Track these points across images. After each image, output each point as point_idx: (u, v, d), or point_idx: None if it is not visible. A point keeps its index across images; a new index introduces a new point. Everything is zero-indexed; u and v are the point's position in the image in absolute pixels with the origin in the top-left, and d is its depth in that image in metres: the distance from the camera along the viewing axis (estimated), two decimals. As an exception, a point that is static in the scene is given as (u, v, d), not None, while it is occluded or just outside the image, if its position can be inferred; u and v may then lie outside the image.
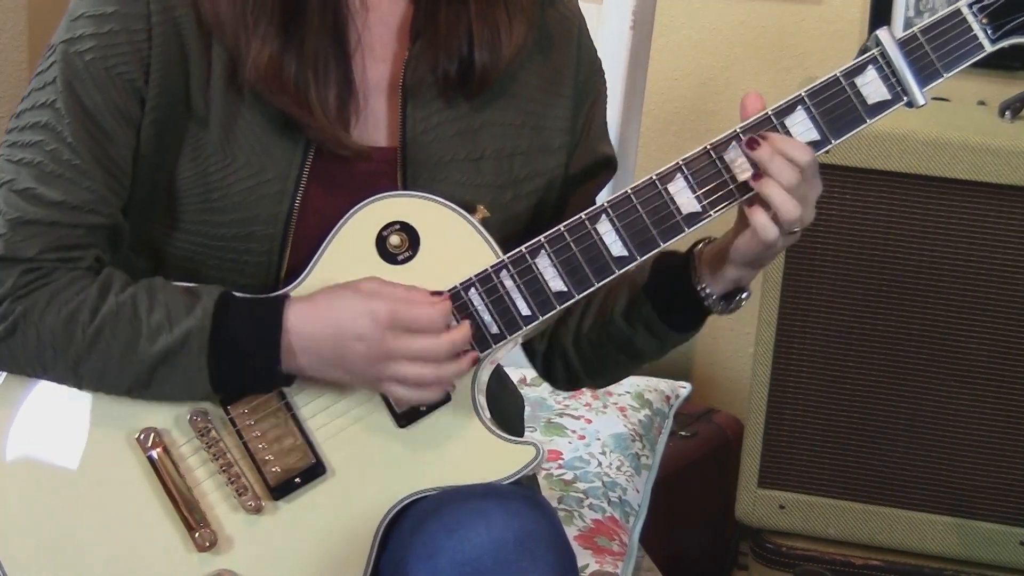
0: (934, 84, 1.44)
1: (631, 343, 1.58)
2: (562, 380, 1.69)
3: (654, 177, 1.45)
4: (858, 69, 1.44)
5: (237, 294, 1.45)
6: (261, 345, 1.42)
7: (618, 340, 1.59)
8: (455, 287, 1.45)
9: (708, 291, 1.51)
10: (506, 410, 1.64)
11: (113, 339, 1.41)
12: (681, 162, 1.45)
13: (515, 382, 1.75)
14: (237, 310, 1.43)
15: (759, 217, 1.42)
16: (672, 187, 1.45)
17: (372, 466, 1.47)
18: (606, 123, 1.67)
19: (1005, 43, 1.43)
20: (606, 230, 1.45)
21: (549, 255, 1.46)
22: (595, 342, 1.61)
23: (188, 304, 1.42)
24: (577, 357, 1.63)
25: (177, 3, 1.45)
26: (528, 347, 1.68)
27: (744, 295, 1.53)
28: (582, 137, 1.62)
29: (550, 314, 1.47)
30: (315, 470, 1.47)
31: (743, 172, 1.44)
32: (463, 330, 1.43)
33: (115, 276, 1.45)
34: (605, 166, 1.65)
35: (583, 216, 1.45)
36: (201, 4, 1.45)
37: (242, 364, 1.43)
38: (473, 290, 1.46)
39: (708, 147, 1.45)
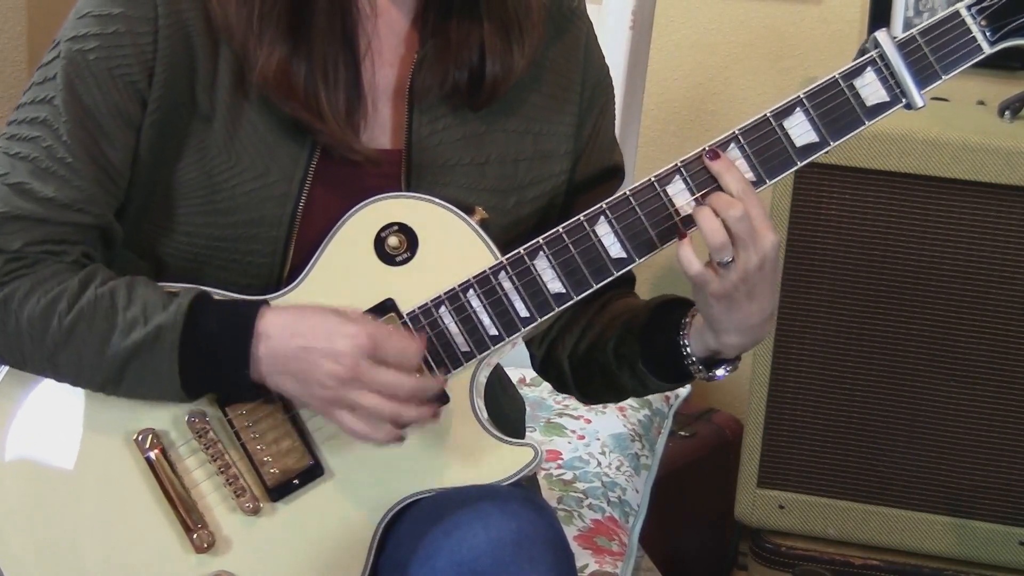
0: (933, 86, 1.44)
1: (615, 378, 1.58)
2: (556, 386, 1.69)
3: (652, 179, 1.45)
4: (857, 71, 1.44)
5: (216, 294, 1.44)
6: (231, 346, 1.41)
7: (604, 371, 1.59)
8: (453, 288, 1.46)
9: (688, 351, 1.50)
10: (507, 413, 1.64)
11: (88, 331, 1.41)
12: (680, 163, 1.45)
13: (514, 382, 1.75)
14: (211, 310, 1.42)
15: (684, 248, 1.42)
16: (671, 188, 1.45)
17: (370, 467, 1.47)
18: (614, 131, 1.67)
19: (1003, 45, 1.42)
20: (604, 232, 1.45)
21: (547, 257, 1.46)
22: (586, 365, 1.61)
23: (164, 301, 1.42)
24: (571, 373, 1.63)
25: (186, 5, 1.45)
26: (528, 348, 1.68)
27: (720, 369, 1.50)
28: (590, 144, 1.62)
29: (548, 316, 1.46)
30: (313, 471, 1.47)
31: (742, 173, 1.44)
32: (435, 382, 1.43)
33: (99, 270, 1.45)
34: (614, 174, 1.65)
35: (581, 218, 1.45)
36: (210, 6, 1.45)
37: (211, 364, 1.42)
38: (471, 291, 1.46)
39: (707, 148, 1.45)
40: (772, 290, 1.44)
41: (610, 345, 1.57)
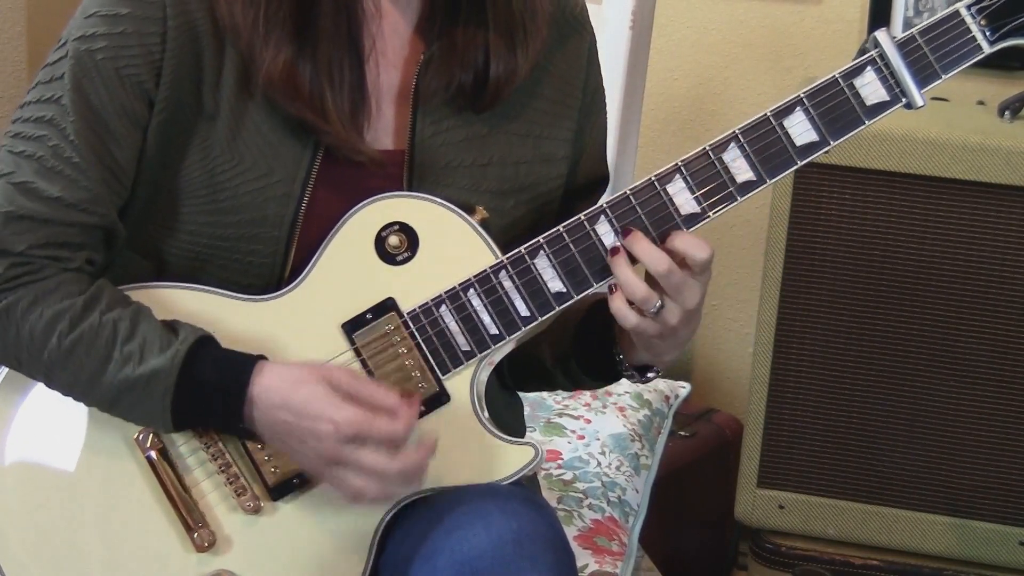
0: (933, 85, 1.44)
1: (551, 376, 1.64)
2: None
3: (653, 178, 1.45)
4: (857, 70, 1.44)
5: (215, 339, 1.44)
6: (225, 402, 1.41)
7: (539, 368, 1.63)
8: (453, 287, 1.46)
9: (621, 357, 1.54)
10: (506, 412, 1.64)
11: (86, 356, 1.42)
12: (680, 163, 1.45)
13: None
14: (208, 358, 1.42)
15: (615, 303, 1.44)
16: (671, 188, 1.45)
17: (371, 466, 1.47)
18: (605, 142, 1.68)
19: (1003, 44, 1.43)
20: (605, 231, 1.45)
21: (548, 256, 1.46)
22: (521, 360, 1.63)
23: (163, 342, 1.41)
24: (506, 364, 1.63)
25: (194, 5, 1.45)
26: None
27: (651, 373, 1.55)
28: (588, 152, 1.63)
29: (549, 315, 1.47)
30: (314, 470, 1.47)
31: (743, 173, 1.44)
32: (421, 456, 1.41)
33: (104, 291, 1.44)
34: (603, 184, 1.67)
35: (582, 217, 1.46)
36: (217, 7, 1.45)
37: (204, 413, 1.43)
38: (472, 290, 1.46)
39: (707, 148, 1.45)
40: (701, 307, 1.48)
41: (544, 346, 1.60)
